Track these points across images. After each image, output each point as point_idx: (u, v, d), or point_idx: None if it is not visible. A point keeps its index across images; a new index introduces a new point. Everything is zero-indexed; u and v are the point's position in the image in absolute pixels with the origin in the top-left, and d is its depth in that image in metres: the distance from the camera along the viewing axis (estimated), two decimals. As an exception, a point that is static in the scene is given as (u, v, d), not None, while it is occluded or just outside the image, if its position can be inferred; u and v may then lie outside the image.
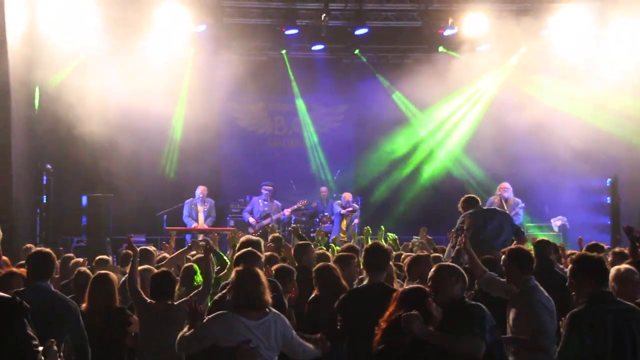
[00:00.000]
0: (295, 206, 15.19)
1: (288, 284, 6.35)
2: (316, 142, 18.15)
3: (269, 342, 4.80)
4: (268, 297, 4.86)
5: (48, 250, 5.97)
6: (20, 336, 3.21)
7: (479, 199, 9.36)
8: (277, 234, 9.68)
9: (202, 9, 15.34)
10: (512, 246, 6.11)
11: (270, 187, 15.26)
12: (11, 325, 3.19)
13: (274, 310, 4.94)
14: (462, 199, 9.22)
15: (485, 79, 16.35)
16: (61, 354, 5.88)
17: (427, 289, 4.83)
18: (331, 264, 6.86)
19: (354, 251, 7.71)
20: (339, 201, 15.61)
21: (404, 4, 16.46)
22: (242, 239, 6.98)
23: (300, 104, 18.08)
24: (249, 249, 6.17)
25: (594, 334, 4.66)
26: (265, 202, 15.13)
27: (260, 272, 5.02)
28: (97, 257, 8.76)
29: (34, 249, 6.90)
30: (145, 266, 7.44)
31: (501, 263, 5.96)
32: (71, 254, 10.28)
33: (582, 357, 4.66)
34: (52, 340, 3.75)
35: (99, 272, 6.68)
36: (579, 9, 15.12)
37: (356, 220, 15.46)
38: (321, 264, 6.81)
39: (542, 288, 5.78)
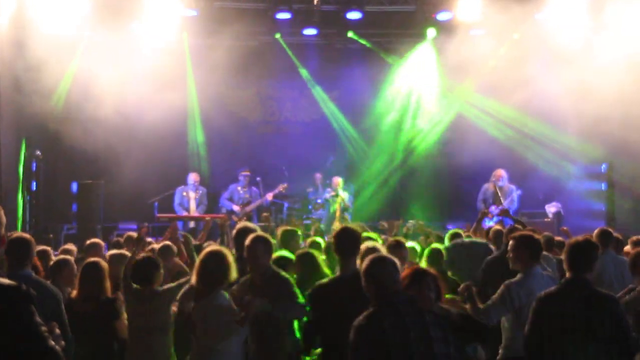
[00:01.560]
0: (276, 190, 14.94)
1: (288, 272, 6.28)
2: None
3: (211, 320, 5.34)
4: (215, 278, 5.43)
5: (27, 236, 5.75)
6: (29, 323, 3.14)
7: (462, 233, 9.16)
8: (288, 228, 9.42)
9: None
10: (525, 232, 6.13)
11: (248, 173, 15.06)
12: (20, 313, 3.14)
13: (218, 293, 5.41)
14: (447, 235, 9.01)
15: (479, 63, 16.16)
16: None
17: None
18: (312, 250, 6.81)
19: None
20: (329, 188, 15.50)
21: (398, -12, 16.34)
22: (239, 225, 6.89)
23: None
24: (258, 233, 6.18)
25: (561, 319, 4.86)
26: (245, 189, 14.96)
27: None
28: (88, 242, 8.54)
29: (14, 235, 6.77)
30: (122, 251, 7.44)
31: (508, 249, 5.95)
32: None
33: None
34: (54, 322, 3.67)
35: (89, 259, 6.58)
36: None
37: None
38: (303, 250, 6.78)
39: (543, 278, 5.80)
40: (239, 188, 14.94)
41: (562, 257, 5.19)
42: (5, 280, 3.24)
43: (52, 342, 3.24)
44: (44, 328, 3.21)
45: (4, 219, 3.42)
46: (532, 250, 5.84)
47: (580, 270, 5.00)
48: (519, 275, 5.79)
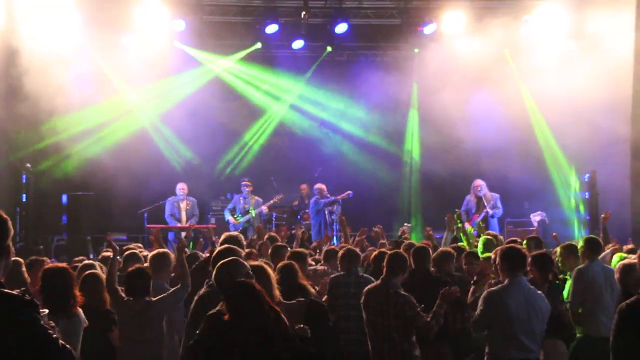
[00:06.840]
0: (272, 201, 15.09)
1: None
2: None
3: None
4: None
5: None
6: (36, 327, 3.27)
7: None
8: (273, 234, 9.46)
9: (181, 7, 15.31)
10: (508, 246, 6.44)
11: (249, 183, 15.19)
12: (25, 318, 3.26)
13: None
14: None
15: (463, 75, 16.32)
16: None
17: None
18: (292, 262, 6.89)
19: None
20: (316, 197, 15.44)
21: (384, 1, 16.52)
22: (222, 236, 6.93)
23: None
24: (227, 245, 6.11)
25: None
26: (246, 199, 15.07)
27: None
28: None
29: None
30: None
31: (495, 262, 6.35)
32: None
33: None
34: None
35: (88, 271, 6.64)
36: (556, 6, 15.27)
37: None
38: (284, 262, 6.82)
39: (523, 288, 5.97)
40: (241, 199, 15.08)
41: None
42: (9, 291, 3.38)
43: (62, 342, 3.38)
44: (52, 332, 3.36)
45: (12, 230, 3.52)
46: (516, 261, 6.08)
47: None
48: (500, 285, 6.05)
